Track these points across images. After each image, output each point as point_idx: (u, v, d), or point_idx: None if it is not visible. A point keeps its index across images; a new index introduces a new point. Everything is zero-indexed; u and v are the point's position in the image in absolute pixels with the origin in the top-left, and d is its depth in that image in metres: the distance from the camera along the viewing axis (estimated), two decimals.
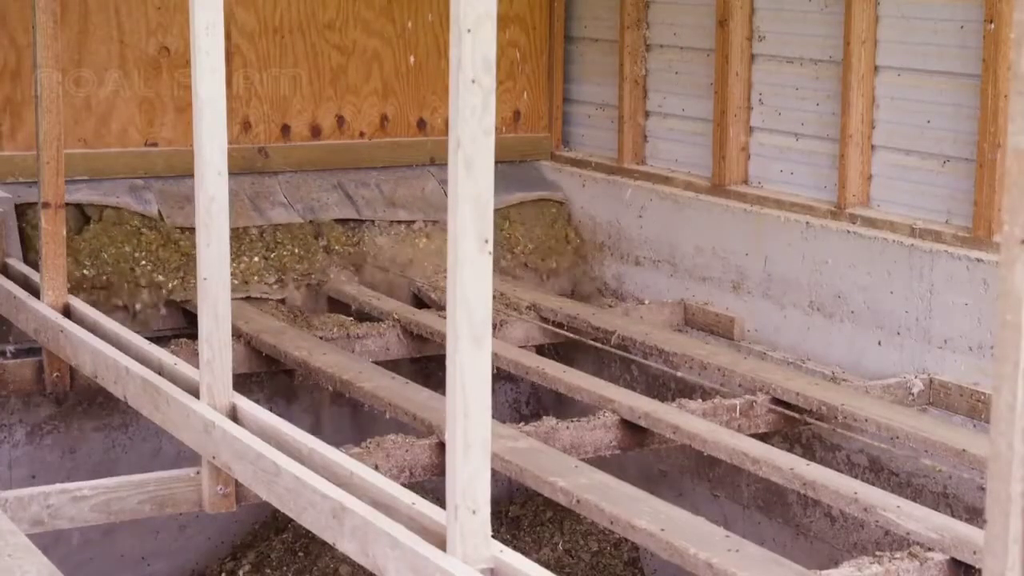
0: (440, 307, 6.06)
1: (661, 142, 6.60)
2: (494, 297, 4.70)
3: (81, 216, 6.08)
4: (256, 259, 6.19)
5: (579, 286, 6.82)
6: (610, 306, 6.35)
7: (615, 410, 4.92)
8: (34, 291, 5.40)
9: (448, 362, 2.88)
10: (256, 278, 6.12)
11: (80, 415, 6.09)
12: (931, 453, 4.67)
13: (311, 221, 6.44)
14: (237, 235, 6.16)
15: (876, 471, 5.24)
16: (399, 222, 6.60)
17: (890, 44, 5.47)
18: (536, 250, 6.76)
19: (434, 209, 6.61)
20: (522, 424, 4.83)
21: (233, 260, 6.04)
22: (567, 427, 4.79)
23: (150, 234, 6.11)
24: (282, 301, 6.16)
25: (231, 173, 4.06)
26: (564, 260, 6.80)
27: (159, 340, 5.17)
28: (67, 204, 5.49)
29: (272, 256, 6.25)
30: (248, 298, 6.06)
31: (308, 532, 3.66)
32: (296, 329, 5.81)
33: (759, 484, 5.55)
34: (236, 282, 5.97)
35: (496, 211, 3.04)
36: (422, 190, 6.74)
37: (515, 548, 3.68)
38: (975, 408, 4.97)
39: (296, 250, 6.30)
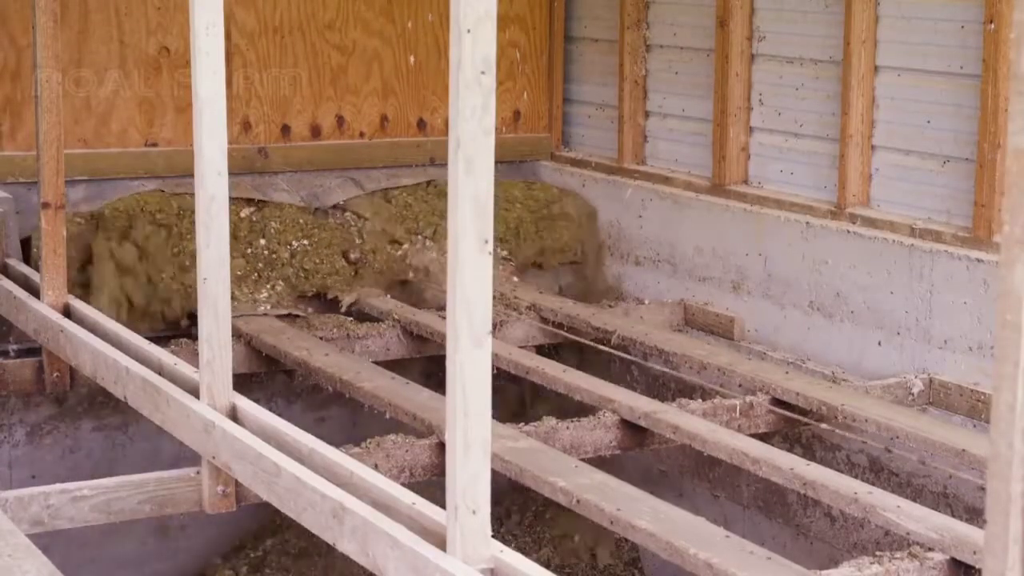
0: (439, 307, 6.06)
1: (661, 142, 6.59)
2: (494, 297, 4.69)
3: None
4: (282, 284, 6.14)
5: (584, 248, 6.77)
6: (610, 306, 6.35)
7: (615, 410, 4.91)
8: (34, 291, 5.40)
9: (448, 362, 2.88)
10: (287, 301, 6.09)
11: (80, 415, 6.09)
12: (931, 453, 4.67)
13: (319, 210, 6.40)
14: (269, 261, 6.13)
15: (876, 471, 5.24)
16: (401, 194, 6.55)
17: (890, 44, 5.47)
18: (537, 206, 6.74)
19: (437, 171, 6.57)
20: (522, 424, 4.83)
21: (266, 284, 6.04)
22: (567, 427, 4.79)
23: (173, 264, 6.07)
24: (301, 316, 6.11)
25: (231, 173, 4.06)
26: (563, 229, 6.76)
27: (159, 340, 5.17)
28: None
29: (305, 282, 6.19)
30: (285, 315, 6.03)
31: (308, 532, 3.65)
32: (296, 329, 5.81)
33: (759, 484, 5.55)
34: (270, 306, 5.97)
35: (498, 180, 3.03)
36: (425, 166, 6.73)
37: (515, 548, 3.68)
38: (975, 408, 4.96)
39: (324, 277, 6.24)
